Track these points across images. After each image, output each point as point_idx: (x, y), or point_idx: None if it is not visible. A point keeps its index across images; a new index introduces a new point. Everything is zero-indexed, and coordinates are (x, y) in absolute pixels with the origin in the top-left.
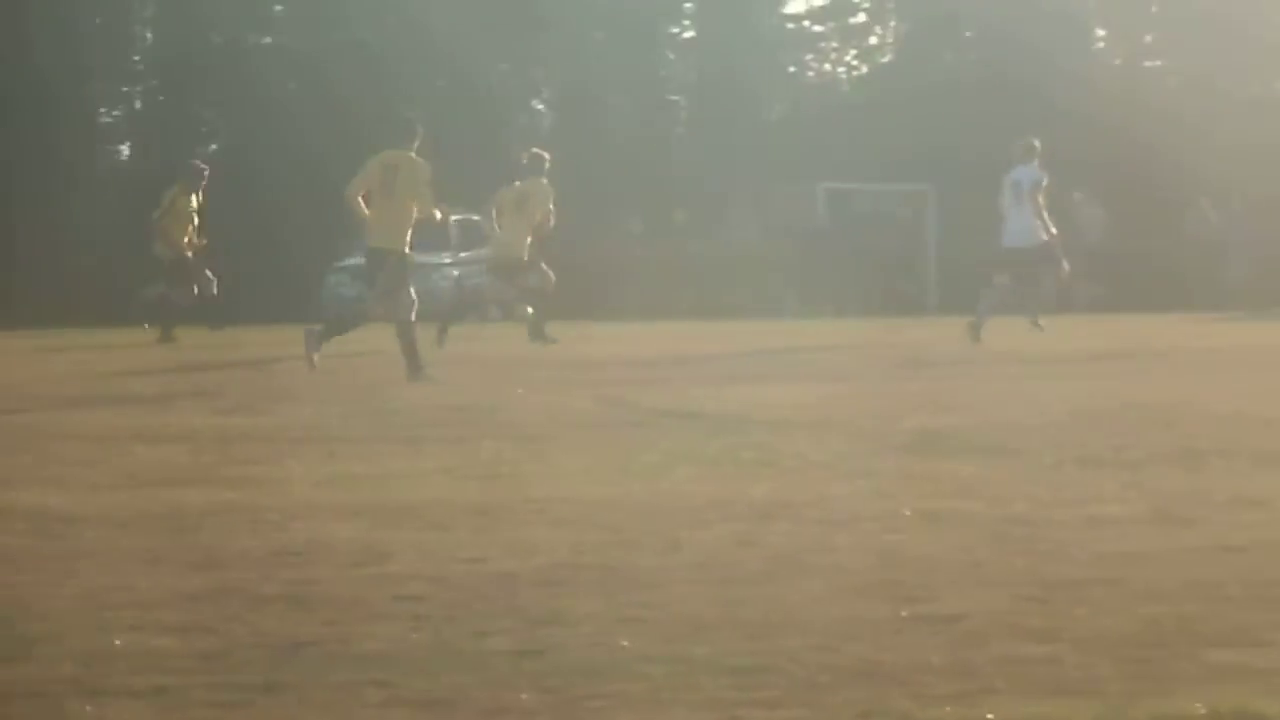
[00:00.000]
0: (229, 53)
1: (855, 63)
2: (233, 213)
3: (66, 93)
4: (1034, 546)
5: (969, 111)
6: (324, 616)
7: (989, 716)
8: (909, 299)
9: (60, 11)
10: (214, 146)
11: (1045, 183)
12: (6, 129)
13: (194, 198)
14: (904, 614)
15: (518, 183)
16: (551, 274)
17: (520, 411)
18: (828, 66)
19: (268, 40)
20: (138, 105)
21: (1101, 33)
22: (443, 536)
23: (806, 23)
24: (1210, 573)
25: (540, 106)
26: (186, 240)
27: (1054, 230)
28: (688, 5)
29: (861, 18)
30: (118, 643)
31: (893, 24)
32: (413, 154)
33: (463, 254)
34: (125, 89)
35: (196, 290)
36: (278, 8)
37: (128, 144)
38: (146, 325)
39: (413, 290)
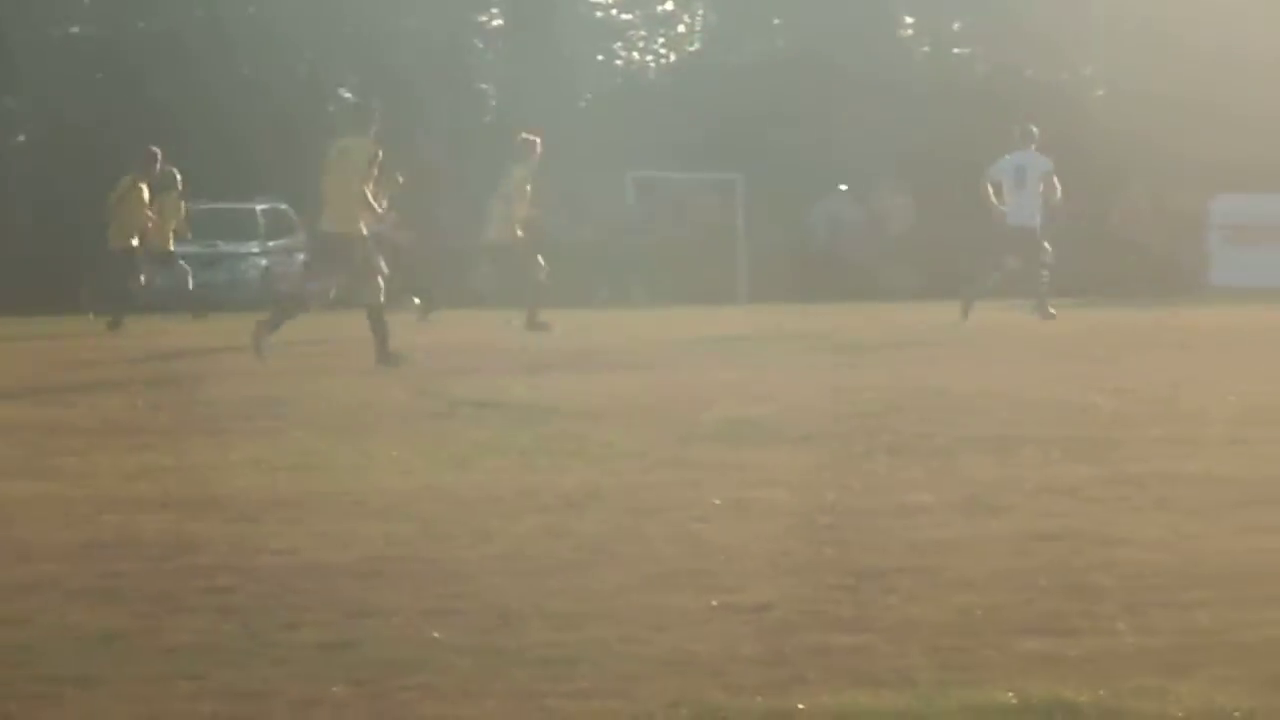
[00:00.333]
0: (36, 43)
1: (664, 51)
2: (38, 203)
3: None
4: (844, 535)
5: (778, 100)
6: (134, 609)
7: (799, 706)
8: (718, 287)
9: None
10: (21, 137)
11: (1053, 172)
12: None
13: (146, 185)
14: (714, 604)
15: (516, 169)
16: (542, 261)
17: (331, 402)
18: (636, 55)
19: (75, 30)
20: None
21: (909, 20)
22: (252, 528)
23: (614, 11)
24: (1021, 561)
25: (347, 95)
26: (147, 227)
27: (1042, 221)
28: None
29: (669, 5)
30: None
31: (700, 12)
32: (368, 139)
33: (270, 243)
34: None
35: (154, 280)
36: None
37: None
38: (93, 315)
39: (381, 271)
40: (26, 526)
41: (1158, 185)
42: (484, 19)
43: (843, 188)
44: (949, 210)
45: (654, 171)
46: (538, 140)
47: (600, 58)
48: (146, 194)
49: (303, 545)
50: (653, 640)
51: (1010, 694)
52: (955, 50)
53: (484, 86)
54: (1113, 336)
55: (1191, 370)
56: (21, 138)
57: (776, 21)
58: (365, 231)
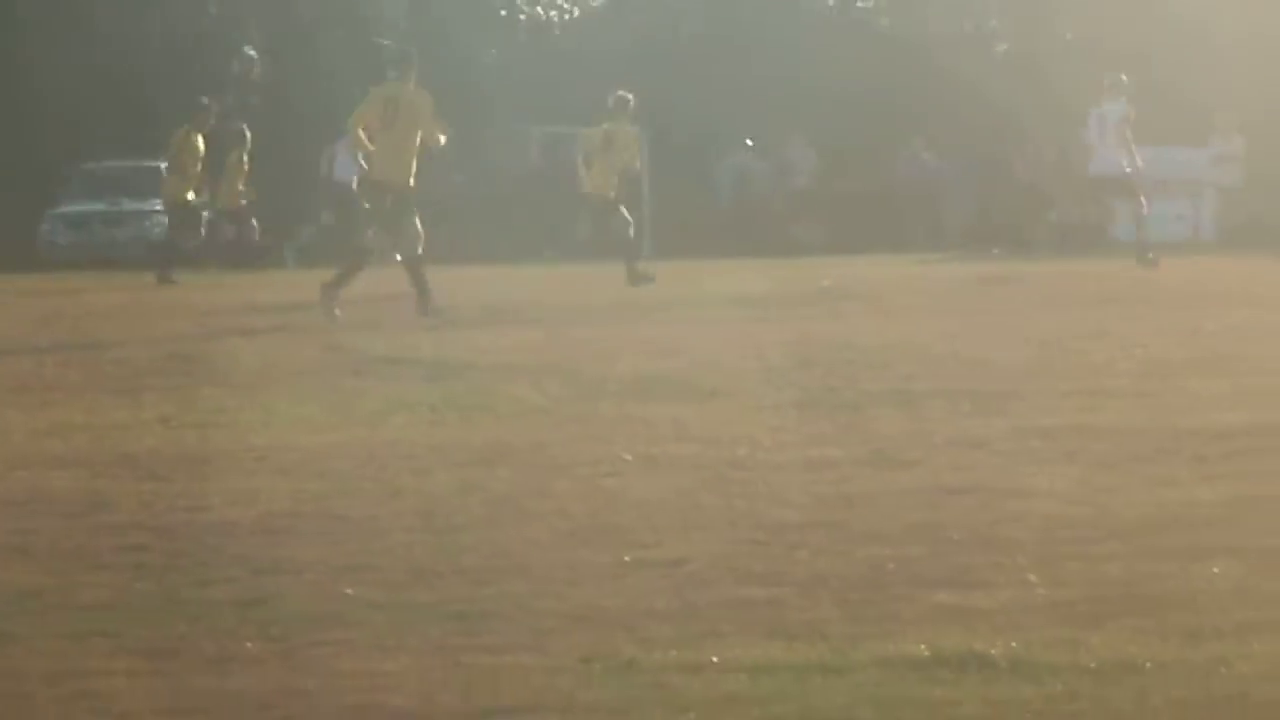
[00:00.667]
0: None
1: (567, 5)
2: None
3: None
4: (754, 489)
5: (682, 55)
6: (47, 566)
7: (713, 659)
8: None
9: None
10: None
11: (1132, 116)
12: None
13: (202, 136)
14: (626, 559)
15: (605, 125)
16: (630, 217)
17: (240, 359)
18: (539, 10)
19: None
20: None
21: None
22: (163, 486)
23: None
24: (931, 515)
25: (252, 52)
26: (203, 179)
27: (1140, 164)
28: None
29: None
30: None
31: None
32: (411, 86)
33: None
34: None
35: (225, 235)
36: None
37: None
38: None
39: (418, 223)
40: None
41: (1063, 138)
42: None
43: (749, 142)
44: (852, 165)
45: (560, 127)
46: (631, 98)
47: (504, 12)
48: (201, 146)
49: (213, 502)
50: (566, 595)
51: (923, 646)
52: (860, 3)
53: (385, 41)
54: (1018, 290)
55: (1098, 324)
56: None
57: None
58: (413, 184)
